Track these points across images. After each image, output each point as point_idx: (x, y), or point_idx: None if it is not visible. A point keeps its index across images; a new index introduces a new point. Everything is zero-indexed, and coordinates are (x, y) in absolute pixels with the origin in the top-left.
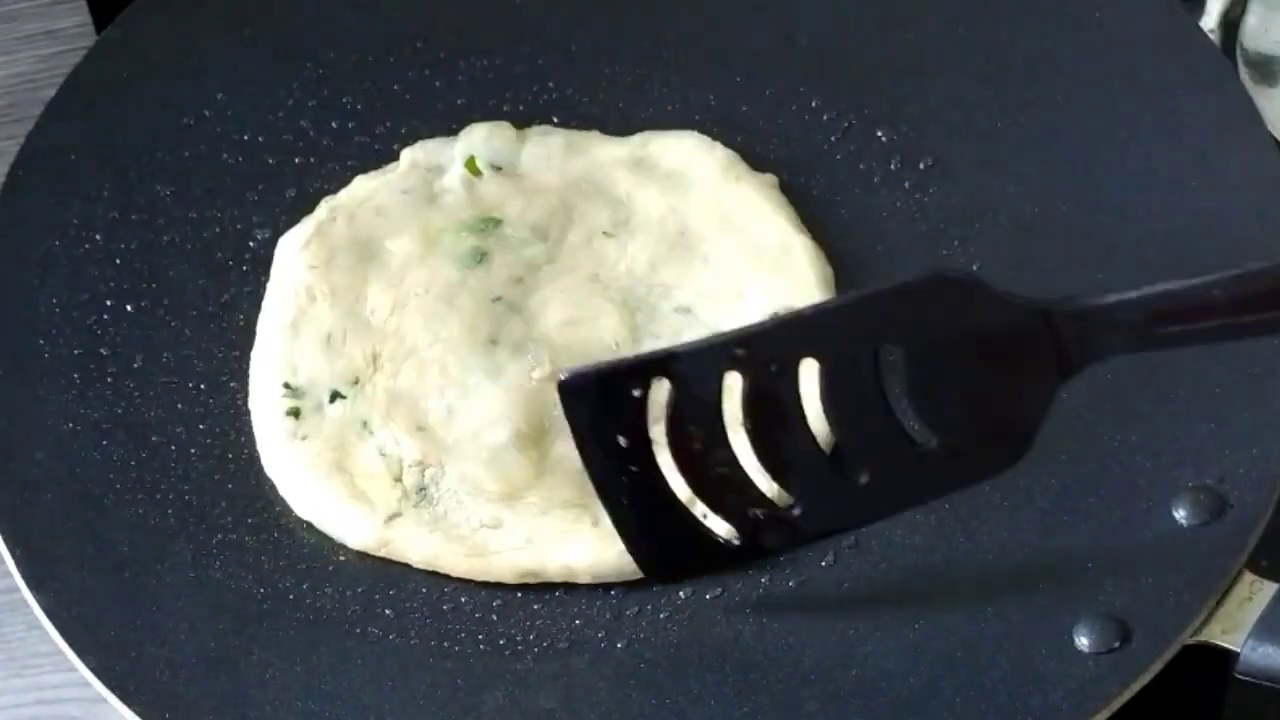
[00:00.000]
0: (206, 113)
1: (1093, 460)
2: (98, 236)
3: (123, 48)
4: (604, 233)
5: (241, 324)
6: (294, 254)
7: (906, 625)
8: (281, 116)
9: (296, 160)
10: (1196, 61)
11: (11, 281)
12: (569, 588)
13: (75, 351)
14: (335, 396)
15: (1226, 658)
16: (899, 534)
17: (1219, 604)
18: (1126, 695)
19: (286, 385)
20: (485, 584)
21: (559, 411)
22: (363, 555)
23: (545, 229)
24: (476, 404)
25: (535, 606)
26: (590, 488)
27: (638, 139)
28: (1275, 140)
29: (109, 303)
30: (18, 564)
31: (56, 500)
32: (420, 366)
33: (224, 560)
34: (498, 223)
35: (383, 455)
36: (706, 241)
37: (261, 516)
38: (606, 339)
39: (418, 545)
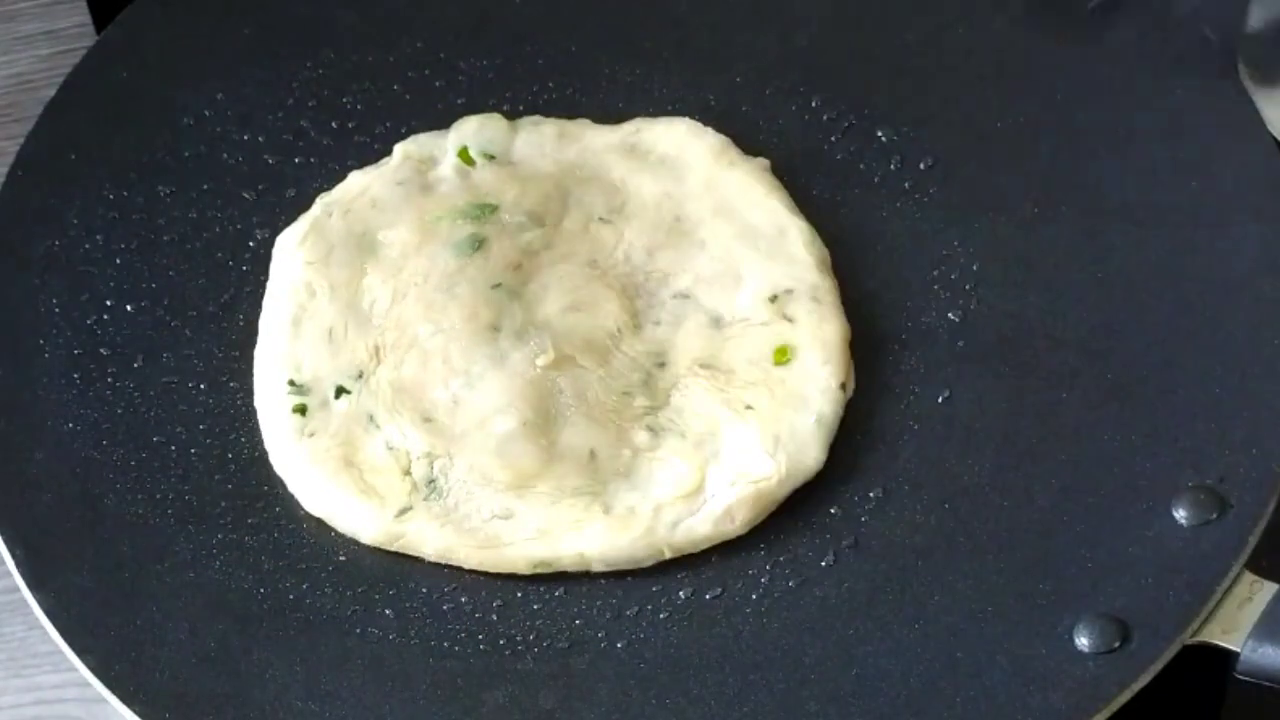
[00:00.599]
0: (206, 113)
1: (1093, 460)
2: (98, 236)
3: (123, 48)
4: (600, 218)
5: (242, 323)
6: (291, 250)
7: (906, 625)
8: (281, 116)
9: (296, 160)
10: (1196, 62)
11: (11, 281)
12: (569, 587)
13: (75, 351)
14: (340, 392)
15: (1226, 658)
16: (899, 534)
17: (1219, 604)
18: (1126, 695)
19: (291, 383)
20: (486, 583)
21: (565, 398)
22: (363, 554)
23: (541, 214)
24: (482, 393)
25: (535, 606)
26: (599, 474)
27: (629, 126)
28: (1275, 140)
29: (109, 303)
30: (18, 564)
31: (56, 500)
32: (423, 357)
33: (224, 560)
34: (494, 209)
35: (390, 449)
36: (702, 227)
37: (262, 516)
38: (609, 325)
39: (430, 539)
